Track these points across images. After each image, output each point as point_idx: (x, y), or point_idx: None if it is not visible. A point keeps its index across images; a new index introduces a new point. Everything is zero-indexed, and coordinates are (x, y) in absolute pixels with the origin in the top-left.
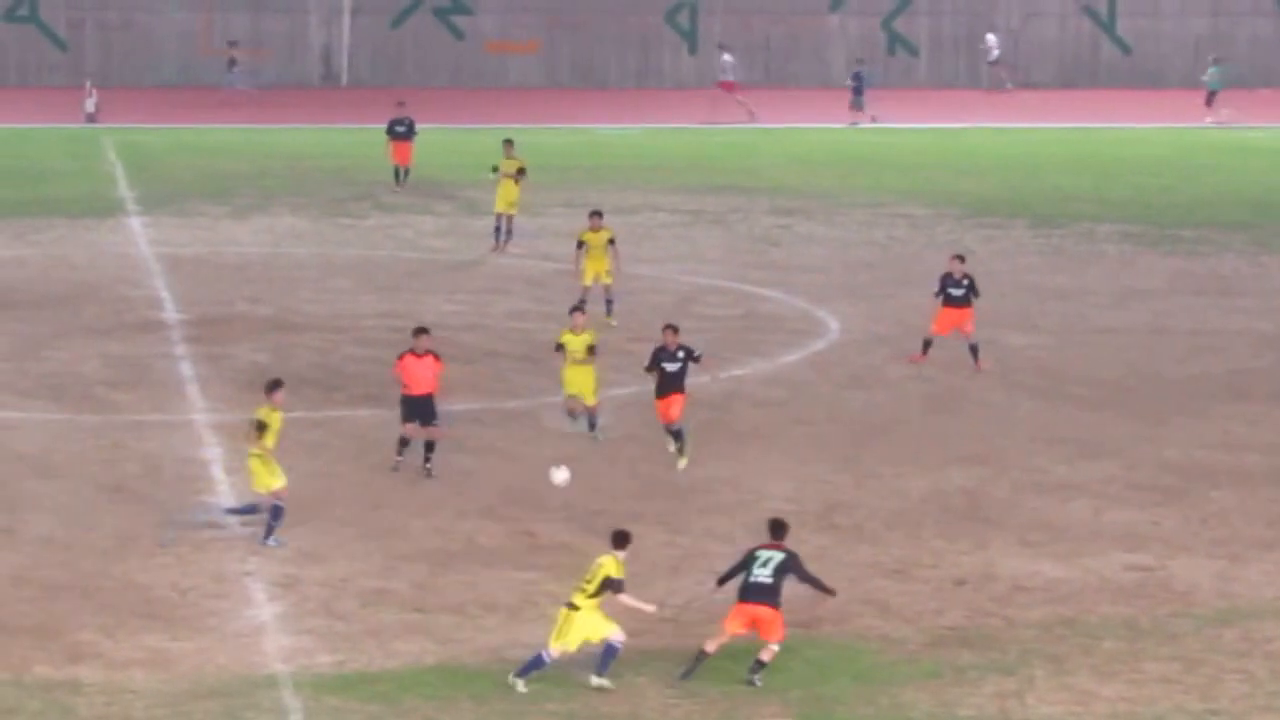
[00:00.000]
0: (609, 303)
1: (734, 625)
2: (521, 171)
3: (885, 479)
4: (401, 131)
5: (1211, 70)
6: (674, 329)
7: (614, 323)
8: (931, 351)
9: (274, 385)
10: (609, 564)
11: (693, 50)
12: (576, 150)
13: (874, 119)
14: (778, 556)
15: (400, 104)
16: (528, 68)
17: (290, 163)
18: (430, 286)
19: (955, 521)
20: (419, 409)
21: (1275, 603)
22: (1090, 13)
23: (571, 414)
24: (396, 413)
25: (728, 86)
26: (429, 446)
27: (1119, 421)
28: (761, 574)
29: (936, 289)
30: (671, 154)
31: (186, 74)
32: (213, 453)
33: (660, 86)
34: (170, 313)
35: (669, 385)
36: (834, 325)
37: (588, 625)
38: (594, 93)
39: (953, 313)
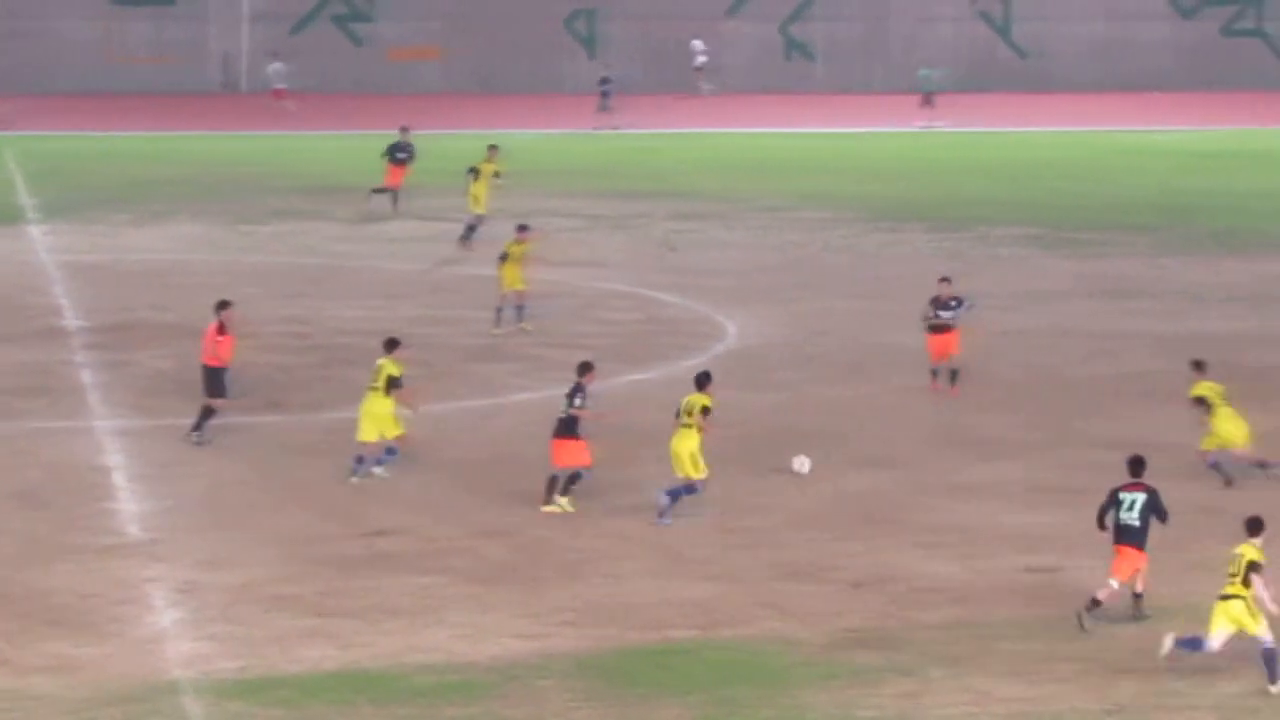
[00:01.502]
0: (520, 309)
1: (1122, 572)
2: (497, 174)
3: (785, 481)
4: (403, 158)
5: (924, 73)
6: (591, 367)
7: (529, 328)
8: (829, 354)
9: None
10: (1249, 551)
11: (592, 56)
12: (477, 155)
13: (617, 126)
14: (1141, 497)
15: (404, 129)
16: (428, 74)
17: (192, 170)
18: (331, 292)
19: (855, 524)
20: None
21: (1172, 602)
22: (986, 17)
23: (360, 460)
24: (301, 419)
25: (278, 94)
26: (204, 414)
27: (1019, 423)
28: (1129, 517)
29: (928, 311)
30: (571, 159)
31: (89, 82)
32: (115, 459)
33: (560, 92)
34: (72, 320)
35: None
36: (733, 329)
37: (1242, 615)
38: (494, 98)
39: (939, 339)
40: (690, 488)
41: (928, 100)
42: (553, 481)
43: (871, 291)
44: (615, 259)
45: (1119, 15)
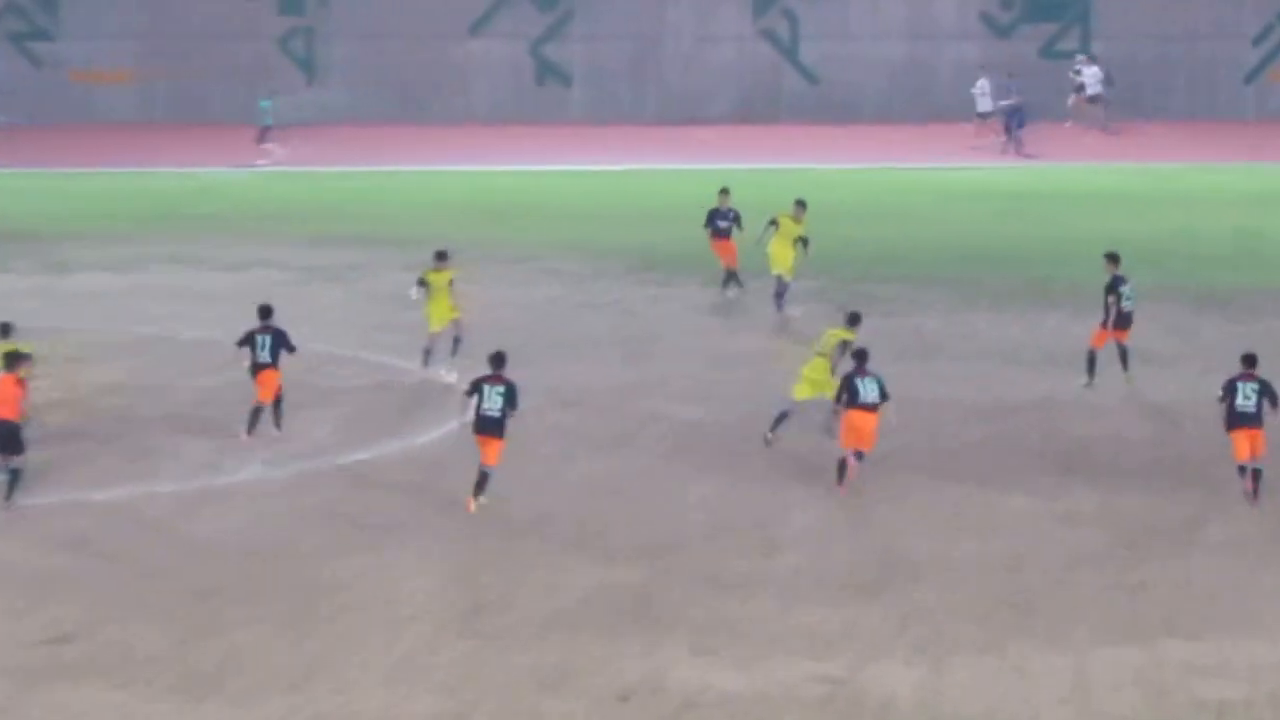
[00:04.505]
0: (457, 340)
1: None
2: (804, 241)
3: (541, 574)
4: (725, 227)
5: (264, 104)
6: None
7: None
8: (589, 425)
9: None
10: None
11: (311, 80)
12: (177, 195)
13: (279, 163)
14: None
15: (724, 191)
16: (120, 100)
17: None
18: None
19: (621, 623)
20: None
21: (985, 716)
22: (770, 36)
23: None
24: None
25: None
26: (14, 477)
27: (808, 505)
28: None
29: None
30: (286, 200)
31: None
32: None
33: (275, 123)
34: None
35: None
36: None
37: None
38: (197, 129)
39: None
40: None
41: (265, 135)
42: (484, 478)
43: (639, 353)
44: (332, 317)
45: (923, 34)
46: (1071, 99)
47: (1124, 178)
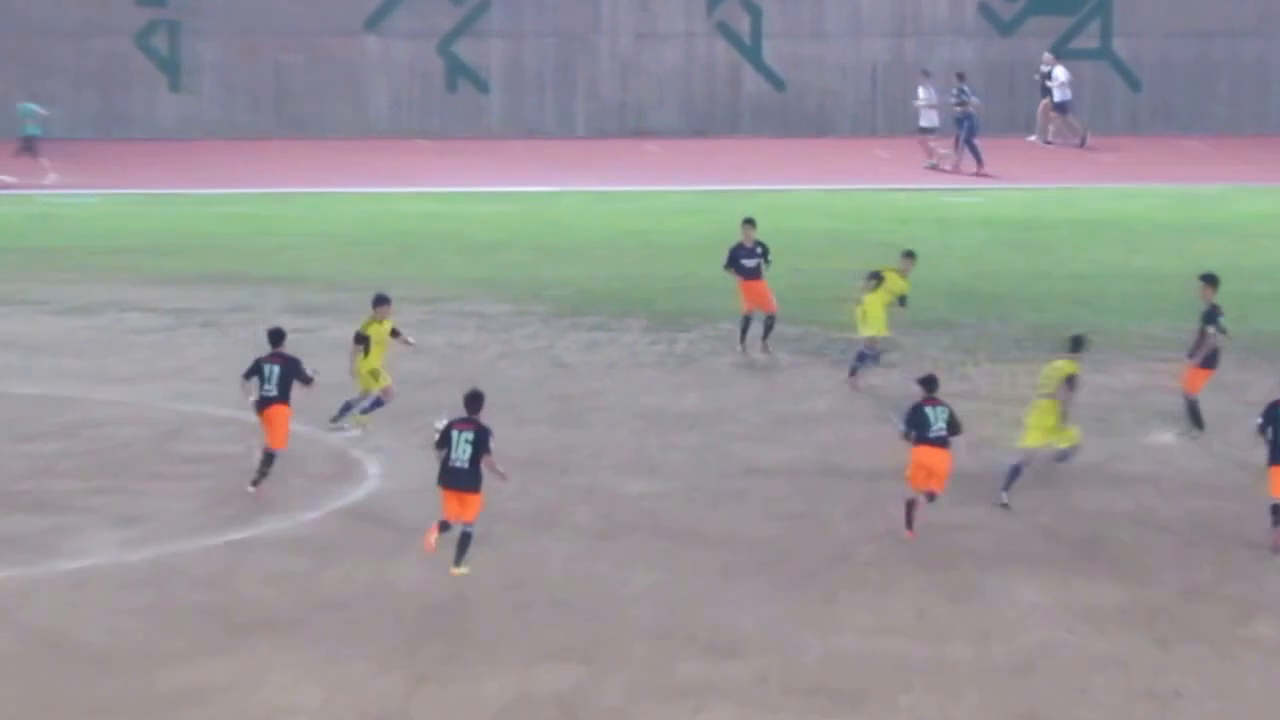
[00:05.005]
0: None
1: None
2: (903, 301)
3: (450, 683)
4: (752, 266)
5: (26, 108)
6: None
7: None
8: (511, 500)
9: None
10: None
11: (175, 86)
12: (11, 226)
13: (47, 186)
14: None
15: (748, 223)
16: None
17: None
18: None
19: None
20: None
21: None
22: (726, 31)
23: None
24: None
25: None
26: None
27: (772, 598)
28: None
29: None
30: (148, 230)
31: None
32: None
33: (129, 137)
34: None
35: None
36: (374, 468)
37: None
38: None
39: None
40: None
41: (29, 148)
42: (443, 526)
43: (571, 413)
44: (206, 369)
45: (910, 30)
46: (1041, 107)
47: (1154, 201)
